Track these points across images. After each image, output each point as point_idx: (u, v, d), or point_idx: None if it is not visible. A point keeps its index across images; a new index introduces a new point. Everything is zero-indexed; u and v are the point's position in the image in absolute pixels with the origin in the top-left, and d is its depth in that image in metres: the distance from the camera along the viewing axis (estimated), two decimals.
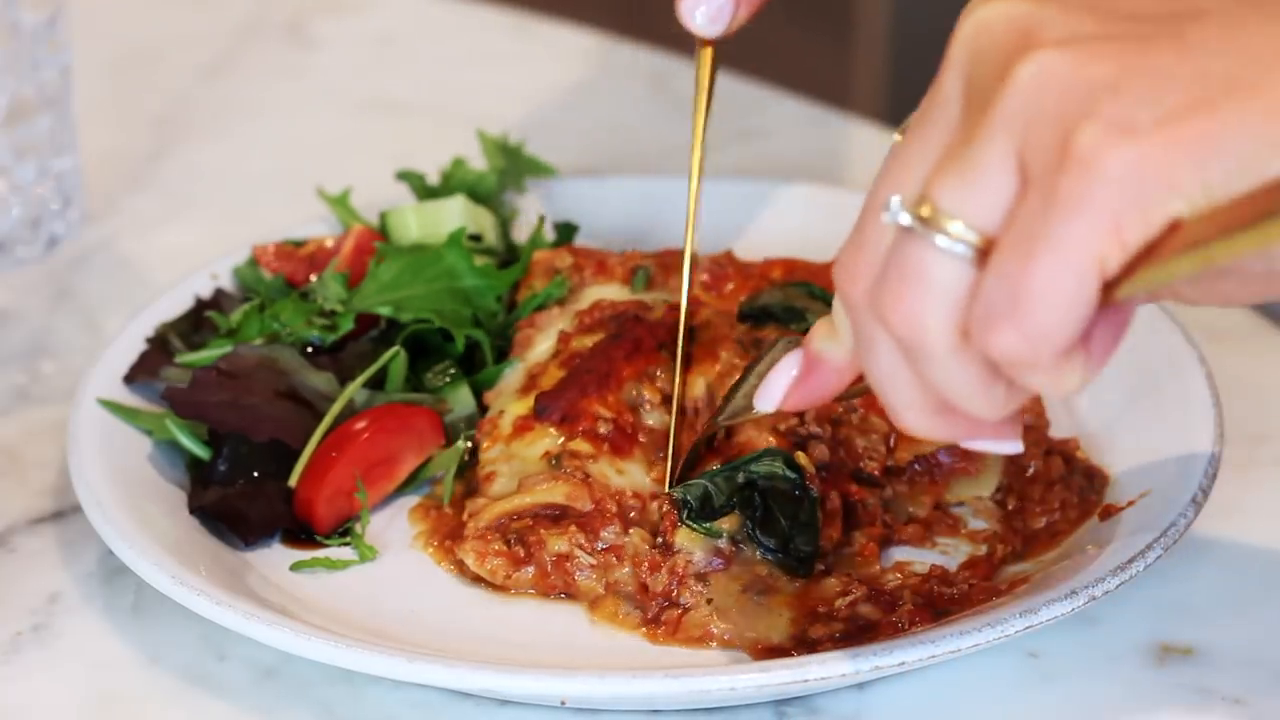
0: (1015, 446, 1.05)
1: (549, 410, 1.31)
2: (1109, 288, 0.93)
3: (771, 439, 1.29)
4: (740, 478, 1.26)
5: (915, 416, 1.01)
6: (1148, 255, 0.92)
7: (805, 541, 1.24)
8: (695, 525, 1.25)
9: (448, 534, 1.31)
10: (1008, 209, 0.94)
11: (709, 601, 1.23)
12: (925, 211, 0.95)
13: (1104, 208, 0.91)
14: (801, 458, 1.26)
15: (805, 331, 1.35)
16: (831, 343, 1.07)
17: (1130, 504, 1.28)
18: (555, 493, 1.27)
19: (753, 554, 1.25)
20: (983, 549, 1.29)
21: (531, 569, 1.26)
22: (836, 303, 1.06)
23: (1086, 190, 0.91)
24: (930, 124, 0.98)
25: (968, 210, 0.95)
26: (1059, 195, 0.91)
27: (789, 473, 1.26)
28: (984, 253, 0.95)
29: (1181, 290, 1.00)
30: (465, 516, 1.29)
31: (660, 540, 1.25)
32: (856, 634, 1.20)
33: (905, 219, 0.96)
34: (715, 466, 1.27)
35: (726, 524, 1.25)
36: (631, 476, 1.29)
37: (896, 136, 1.02)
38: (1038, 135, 0.93)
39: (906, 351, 0.98)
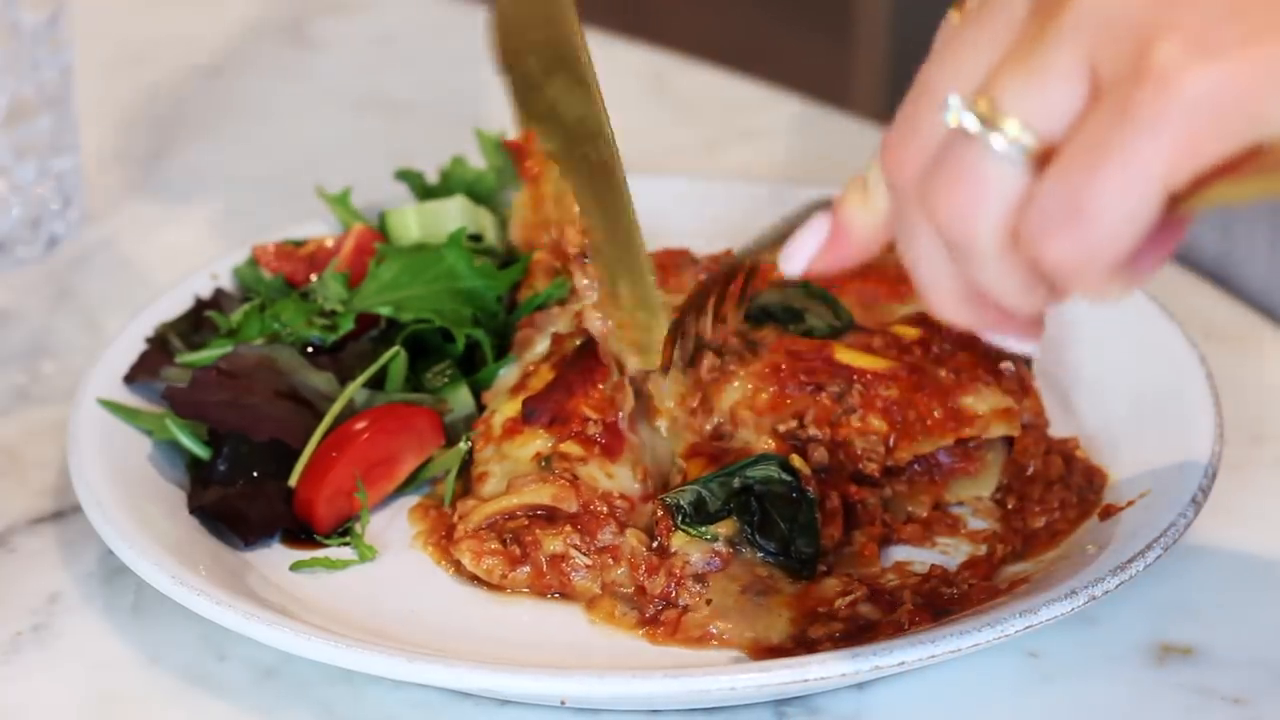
0: (1033, 348, 1.03)
1: (536, 414, 1.31)
2: (1172, 202, 0.91)
3: (770, 442, 1.29)
4: (736, 482, 1.26)
5: (945, 302, 0.99)
6: (1218, 175, 0.89)
7: (806, 543, 1.24)
8: (690, 529, 1.25)
9: (447, 534, 1.31)
10: (1073, 116, 0.92)
11: (708, 602, 1.23)
12: (984, 109, 0.93)
13: (1179, 129, 0.88)
14: (796, 460, 1.26)
15: (803, 331, 1.35)
16: (864, 210, 1.04)
17: (1130, 504, 1.28)
18: (542, 494, 1.27)
19: (752, 556, 1.25)
20: (983, 549, 1.29)
21: (527, 568, 1.26)
22: (874, 170, 1.03)
23: (1163, 109, 0.88)
24: (987, 20, 0.96)
25: (1031, 113, 0.92)
26: (1132, 110, 0.89)
27: (784, 475, 1.26)
28: (1041, 159, 0.93)
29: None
30: (455, 518, 1.30)
31: (657, 543, 1.26)
32: (856, 634, 1.20)
33: (968, 119, 0.94)
34: (709, 472, 1.27)
35: (722, 528, 1.25)
36: (620, 480, 1.28)
37: (954, 16, 0.99)
38: (1112, 44, 0.90)
39: (952, 248, 0.96)
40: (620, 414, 1.30)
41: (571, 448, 1.29)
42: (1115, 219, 0.90)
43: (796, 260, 1.06)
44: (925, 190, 0.95)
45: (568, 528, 1.26)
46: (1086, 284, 0.93)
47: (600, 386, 1.31)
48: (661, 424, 1.32)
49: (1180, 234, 0.96)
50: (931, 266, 0.98)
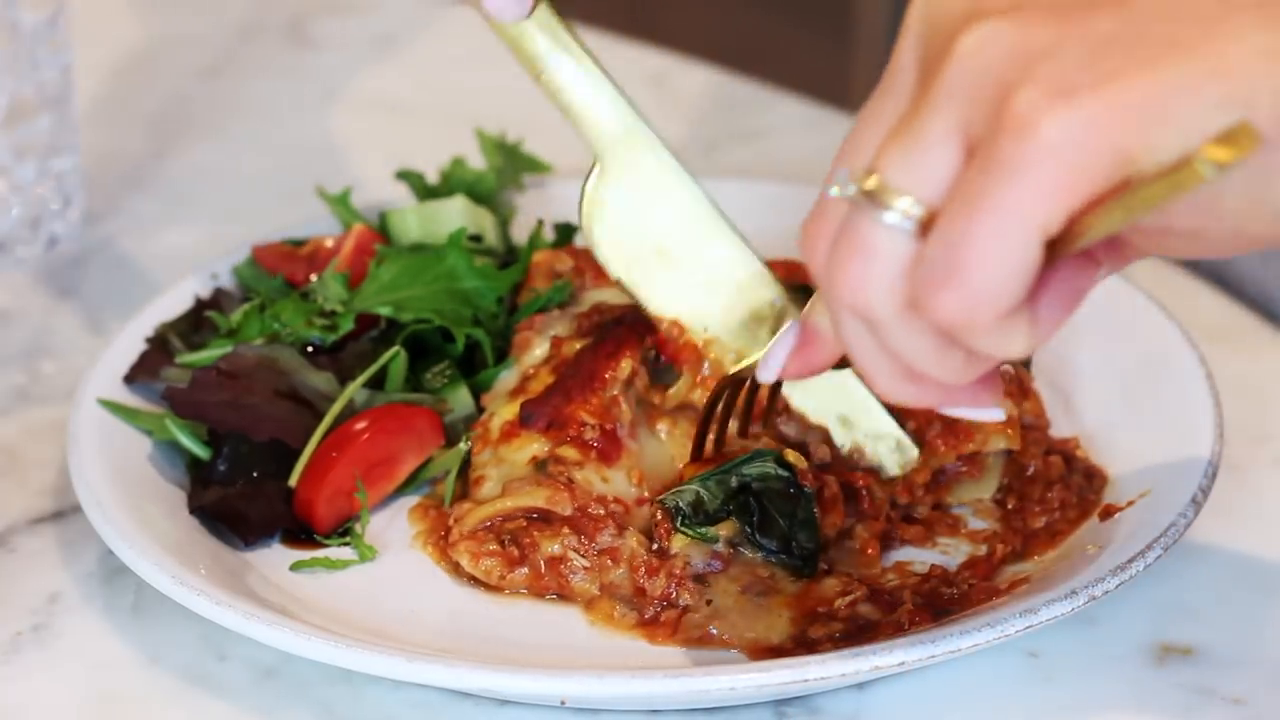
0: (996, 414, 1.05)
1: (534, 418, 1.31)
2: (1054, 247, 0.93)
3: (772, 444, 1.28)
4: (733, 481, 1.26)
5: (888, 383, 1.02)
6: (1089, 210, 0.92)
7: (807, 539, 1.24)
8: (689, 531, 1.25)
9: (446, 534, 1.31)
10: (952, 180, 0.94)
11: (708, 603, 1.23)
12: (871, 184, 0.96)
13: (1043, 171, 0.91)
14: (791, 454, 1.26)
15: None
16: (822, 320, 1.08)
17: (1130, 504, 1.28)
18: (536, 496, 1.27)
19: (753, 556, 1.25)
20: (983, 549, 1.29)
21: (525, 570, 1.26)
22: None
23: (1025, 154, 0.91)
24: (885, 94, 0.99)
25: (911, 182, 0.95)
26: (996, 160, 0.91)
27: (781, 471, 1.26)
28: (927, 225, 0.95)
29: (1140, 244, 1.00)
30: (451, 521, 1.30)
31: (656, 545, 1.25)
32: (856, 634, 1.20)
33: (850, 192, 0.97)
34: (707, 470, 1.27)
35: (723, 529, 1.25)
36: (615, 484, 1.28)
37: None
38: (979, 103, 0.93)
39: (861, 321, 0.99)
40: (619, 423, 1.30)
41: (568, 451, 1.29)
42: (992, 268, 0.93)
43: (769, 368, 1.11)
44: (828, 268, 0.99)
45: (565, 530, 1.26)
46: (982, 338, 0.95)
47: (600, 393, 1.30)
48: (661, 429, 1.32)
49: (1079, 290, 0.98)
50: (863, 348, 1.01)
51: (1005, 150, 0.91)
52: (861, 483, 1.28)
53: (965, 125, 0.93)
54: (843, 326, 1.01)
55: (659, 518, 1.26)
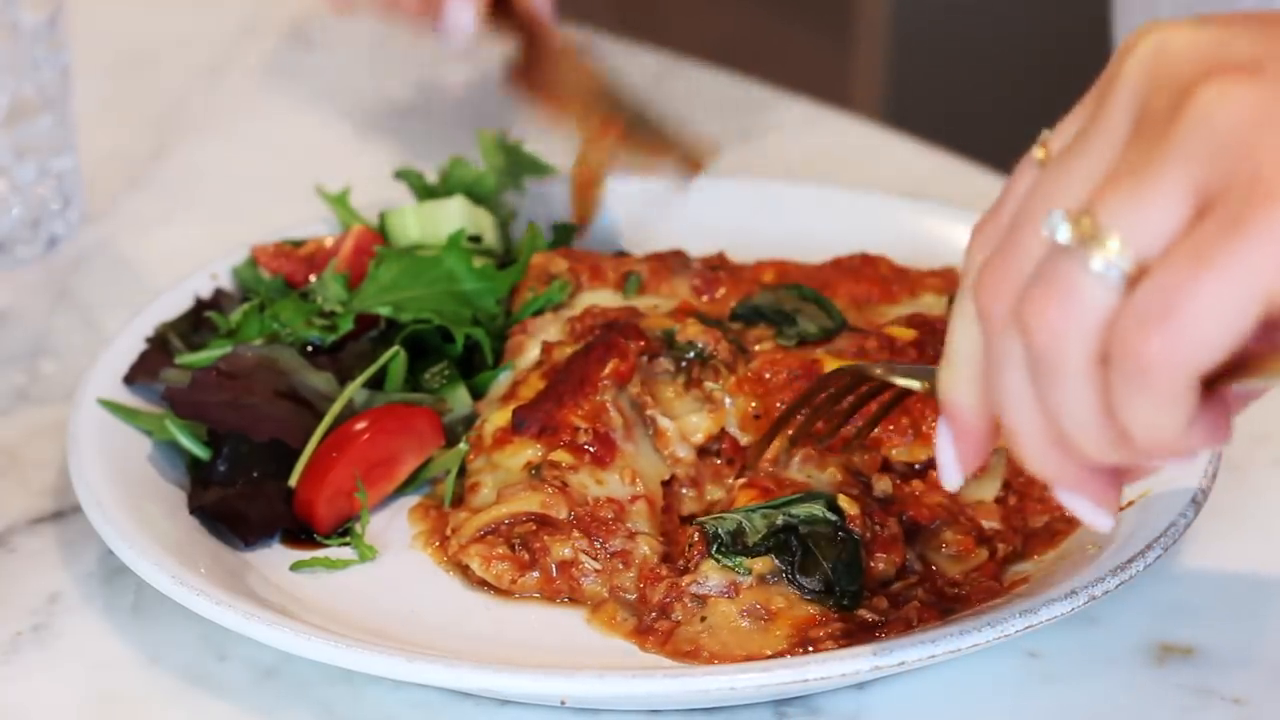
0: (1105, 523, 1.02)
1: (526, 424, 1.30)
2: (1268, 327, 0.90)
3: (837, 475, 1.27)
4: (779, 519, 1.24)
5: (1033, 444, 0.98)
6: None
7: (849, 582, 1.22)
8: (723, 559, 1.23)
9: (445, 541, 1.31)
10: (1172, 237, 0.91)
11: (703, 619, 1.22)
12: (1086, 227, 0.93)
13: None
14: (844, 500, 1.24)
15: (795, 335, 1.35)
16: (960, 387, 1.03)
17: (1130, 504, 1.28)
18: (531, 502, 1.27)
19: (784, 589, 1.23)
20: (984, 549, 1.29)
21: (536, 574, 1.26)
22: (951, 347, 1.02)
23: (1270, 222, 0.88)
24: (1095, 142, 0.96)
25: (1132, 233, 0.92)
26: (1239, 220, 0.88)
27: (830, 515, 1.24)
28: (1134, 280, 0.92)
29: None
30: (449, 531, 1.29)
31: (682, 564, 1.25)
32: (857, 633, 1.20)
33: (1064, 233, 0.94)
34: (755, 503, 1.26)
35: (757, 564, 1.23)
36: (609, 486, 1.28)
37: (1037, 152, 0.99)
38: (1225, 164, 0.90)
39: (1037, 367, 0.95)
40: (612, 427, 1.30)
41: (562, 456, 1.28)
42: (1210, 322, 0.89)
43: (949, 473, 1.06)
44: (1020, 308, 0.95)
45: (575, 533, 1.26)
46: (1160, 408, 0.92)
47: (591, 398, 1.30)
48: (654, 413, 1.31)
49: (1233, 413, 0.95)
50: (1019, 401, 0.97)
51: (1250, 215, 0.88)
52: (926, 517, 1.27)
53: (1200, 185, 0.91)
54: (1005, 375, 0.97)
55: (695, 539, 1.24)
